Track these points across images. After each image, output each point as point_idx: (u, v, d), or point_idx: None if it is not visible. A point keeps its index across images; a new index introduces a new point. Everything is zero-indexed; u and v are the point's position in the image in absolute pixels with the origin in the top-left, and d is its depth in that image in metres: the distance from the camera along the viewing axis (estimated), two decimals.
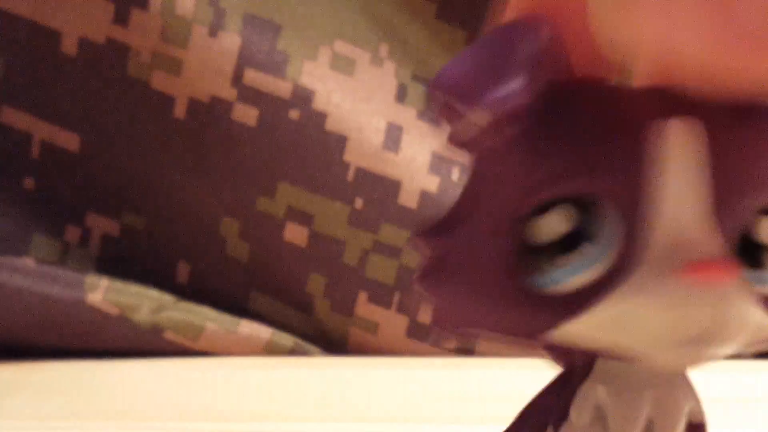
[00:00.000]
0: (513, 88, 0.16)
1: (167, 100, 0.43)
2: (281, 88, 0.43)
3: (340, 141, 0.43)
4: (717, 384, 0.38)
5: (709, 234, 0.16)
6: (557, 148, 0.16)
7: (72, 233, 0.45)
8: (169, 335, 0.43)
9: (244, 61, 0.43)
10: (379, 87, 0.44)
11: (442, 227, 0.17)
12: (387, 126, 0.44)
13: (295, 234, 0.44)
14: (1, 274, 0.42)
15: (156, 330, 0.43)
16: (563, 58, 0.16)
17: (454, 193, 0.17)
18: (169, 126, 0.44)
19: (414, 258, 0.36)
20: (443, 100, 0.16)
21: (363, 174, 0.43)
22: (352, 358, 0.44)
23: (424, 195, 0.43)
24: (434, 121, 0.17)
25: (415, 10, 0.45)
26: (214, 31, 0.43)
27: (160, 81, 0.43)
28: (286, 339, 0.44)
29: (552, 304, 0.16)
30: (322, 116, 0.43)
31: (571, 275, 0.16)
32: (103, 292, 0.43)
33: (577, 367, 0.18)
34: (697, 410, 0.18)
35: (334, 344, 0.45)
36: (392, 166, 0.43)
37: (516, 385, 0.38)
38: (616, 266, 0.16)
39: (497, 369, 0.40)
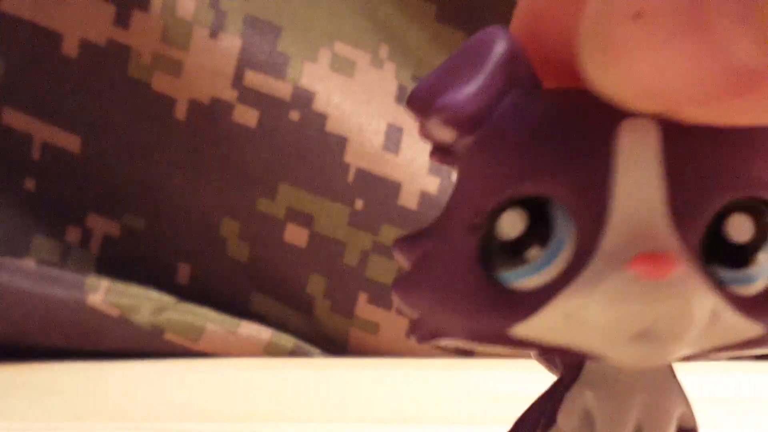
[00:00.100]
0: (465, 93, 0.16)
1: (168, 102, 0.43)
2: (282, 89, 0.43)
3: (341, 142, 0.43)
4: (717, 384, 0.38)
5: (665, 231, 0.16)
6: (509, 152, 0.16)
7: (72, 234, 0.45)
8: (170, 336, 0.43)
9: (244, 62, 0.43)
10: (379, 88, 0.44)
11: (417, 235, 0.17)
12: (387, 127, 0.44)
13: (296, 235, 0.44)
14: (1, 275, 0.43)
15: (156, 331, 0.43)
16: (527, 67, 0.17)
17: None
18: (169, 127, 0.44)
19: None
20: (412, 114, 0.17)
21: (363, 175, 0.43)
22: (352, 358, 0.44)
23: (424, 196, 0.43)
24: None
25: (415, 12, 0.45)
26: (214, 33, 0.43)
27: (160, 82, 0.43)
28: (287, 340, 0.44)
29: (513, 303, 0.16)
30: (322, 117, 0.43)
31: (526, 275, 0.16)
32: (103, 293, 0.43)
33: (565, 371, 0.18)
34: (688, 416, 0.18)
35: (335, 345, 0.45)
36: (392, 167, 0.43)
37: (516, 386, 0.38)
38: (571, 264, 0.16)
39: (497, 369, 0.40)
